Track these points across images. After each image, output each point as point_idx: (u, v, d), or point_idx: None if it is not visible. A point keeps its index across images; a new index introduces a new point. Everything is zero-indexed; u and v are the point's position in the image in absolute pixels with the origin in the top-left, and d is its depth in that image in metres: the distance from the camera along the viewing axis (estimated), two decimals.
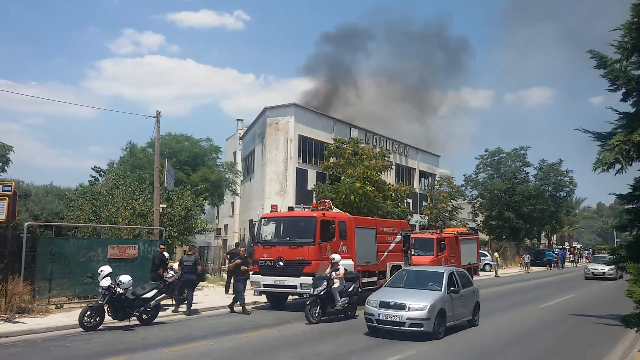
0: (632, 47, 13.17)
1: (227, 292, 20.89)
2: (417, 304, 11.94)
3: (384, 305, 12.22)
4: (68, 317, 13.92)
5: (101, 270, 13.41)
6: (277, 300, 18.18)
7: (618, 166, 12.64)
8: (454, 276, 13.68)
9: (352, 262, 17.97)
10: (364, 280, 18.71)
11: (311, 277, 15.94)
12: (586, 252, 73.40)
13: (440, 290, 12.79)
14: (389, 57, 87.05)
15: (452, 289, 13.09)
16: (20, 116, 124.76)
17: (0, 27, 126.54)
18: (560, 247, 70.82)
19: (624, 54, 13.36)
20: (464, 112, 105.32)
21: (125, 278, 13.41)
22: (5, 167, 35.65)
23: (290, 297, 18.58)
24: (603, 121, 13.75)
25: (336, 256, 15.85)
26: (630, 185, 13.01)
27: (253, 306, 18.18)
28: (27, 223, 16.72)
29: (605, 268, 33.10)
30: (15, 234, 15.65)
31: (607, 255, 38.11)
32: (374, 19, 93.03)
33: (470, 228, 39.46)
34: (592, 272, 34.82)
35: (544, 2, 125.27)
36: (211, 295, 20.18)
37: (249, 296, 19.29)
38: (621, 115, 13.30)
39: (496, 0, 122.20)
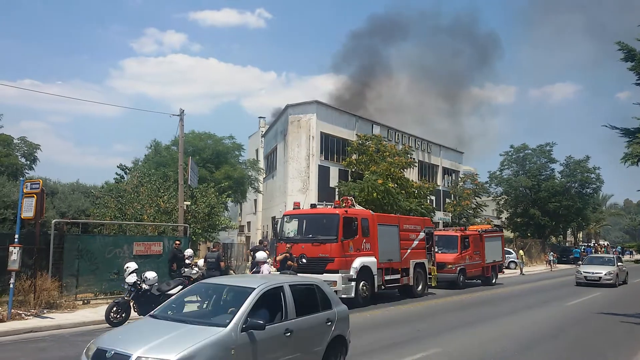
0: None
1: None
2: None
3: None
4: (95, 312, 14.14)
5: (127, 267, 13.56)
6: None
7: None
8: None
9: (375, 260, 17.93)
10: (387, 277, 18.66)
11: (335, 275, 15.96)
12: (613, 249, 72.16)
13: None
14: (417, 52, 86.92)
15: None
16: (46, 115, 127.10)
17: (25, 27, 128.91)
18: (586, 244, 69.70)
19: None
20: (488, 109, 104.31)
21: (150, 274, 13.53)
22: (33, 165, 36.49)
23: None
24: (630, 117, 13.48)
25: (259, 255, 15.56)
26: None
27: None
28: (55, 220, 17.00)
29: (602, 271, 26.83)
30: (43, 231, 15.95)
31: (604, 255, 34.85)
32: (400, 15, 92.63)
33: (495, 225, 38.97)
34: (585, 277, 27.11)
35: None
36: None
37: None
38: None
39: None
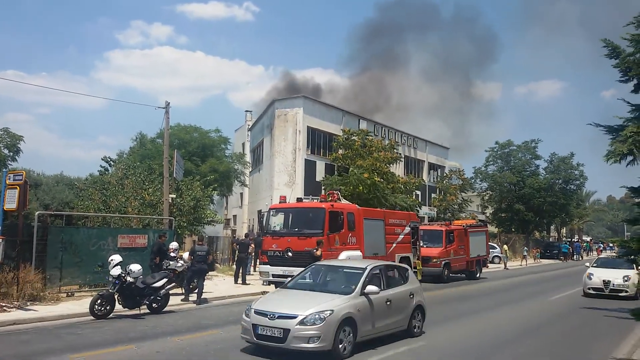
0: None
1: (236, 281, 21.00)
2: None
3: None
4: (79, 305, 14.04)
5: (111, 259, 13.49)
6: None
7: (630, 157, 12.50)
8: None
9: (360, 253, 17.98)
10: None
11: None
12: (596, 245, 73.08)
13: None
14: (414, 48, 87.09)
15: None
16: (31, 106, 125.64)
17: (11, 18, 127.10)
18: (570, 239, 70.52)
19: (637, 47, 13.20)
20: (477, 105, 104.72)
21: (135, 267, 13.47)
22: (16, 157, 36.00)
23: None
24: (612, 116, 13.64)
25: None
26: None
27: (261, 296, 18.21)
28: (38, 212, 16.86)
29: (620, 277, 19.25)
30: (26, 223, 15.80)
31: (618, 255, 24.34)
32: (390, 11, 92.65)
33: (479, 220, 39.32)
34: (605, 286, 19.38)
35: None
36: (220, 285, 20.28)
37: (257, 286, 19.40)
38: (633, 107, 13.15)
39: None
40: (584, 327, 13.82)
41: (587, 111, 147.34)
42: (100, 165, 34.60)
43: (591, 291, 19.61)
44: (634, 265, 17.49)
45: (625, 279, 19.07)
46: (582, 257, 55.52)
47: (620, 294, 18.94)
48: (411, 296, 11.24)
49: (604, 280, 19.43)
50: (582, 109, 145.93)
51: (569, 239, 69.92)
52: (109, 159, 34.69)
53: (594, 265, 21.25)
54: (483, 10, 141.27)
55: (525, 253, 44.91)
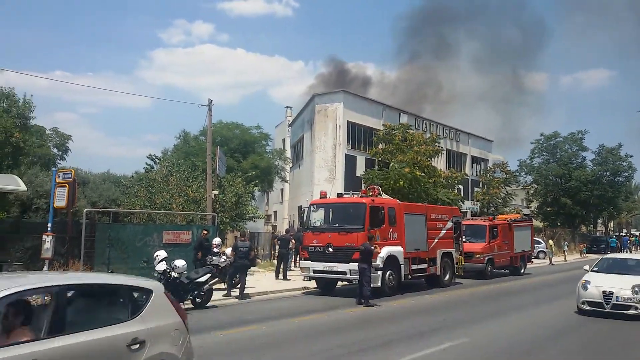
0: None
1: (277, 277, 21.16)
2: None
3: None
4: None
5: (157, 255, 13.79)
6: (326, 286, 18.27)
7: None
8: None
9: (402, 249, 17.87)
10: (414, 267, 18.60)
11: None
12: None
13: None
14: (463, 38, 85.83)
15: None
16: (78, 106, 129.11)
17: (55, 18, 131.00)
18: (617, 233, 68.29)
19: None
20: (523, 95, 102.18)
21: (179, 262, 13.73)
22: (65, 156, 37.25)
23: (339, 283, 18.64)
24: None
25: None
26: None
27: (303, 291, 18.36)
28: (86, 209, 17.35)
29: (628, 287, 13.28)
30: (75, 220, 16.31)
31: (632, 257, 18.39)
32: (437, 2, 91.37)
33: (524, 214, 38.46)
34: (605, 300, 13.35)
35: None
36: (262, 281, 20.48)
37: (298, 281, 19.52)
38: None
39: None
40: (629, 325, 13.35)
41: (637, 100, 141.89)
42: (146, 163, 35.44)
43: (586, 307, 13.67)
44: None
45: (636, 289, 13.14)
46: (631, 252, 53.73)
47: (627, 312, 13.02)
48: (136, 346, 5.32)
49: (604, 292, 13.35)
50: (631, 98, 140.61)
51: (617, 233, 67.68)
52: (154, 157, 35.47)
53: (595, 269, 15.13)
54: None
55: (566, 248, 43.74)
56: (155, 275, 13.54)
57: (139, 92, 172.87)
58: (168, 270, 13.39)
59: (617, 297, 13.18)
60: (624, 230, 76.34)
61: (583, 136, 55.80)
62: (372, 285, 15.73)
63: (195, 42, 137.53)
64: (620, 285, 13.39)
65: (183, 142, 38.36)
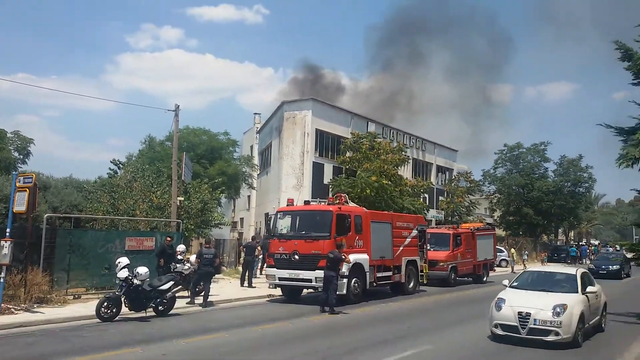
0: None
1: (242, 284, 21.02)
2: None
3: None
4: (85, 307, 14.09)
5: (119, 262, 13.55)
6: (292, 294, 18.23)
7: None
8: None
9: (367, 257, 17.96)
10: (379, 274, 18.70)
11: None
12: (604, 248, 72.44)
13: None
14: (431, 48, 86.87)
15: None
16: (41, 109, 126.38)
17: (20, 20, 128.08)
18: (577, 243, 70.09)
19: None
20: (489, 107, 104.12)
21: (142, 269, 13.52)
22: (26, 160, 36.24)
23: (305, 290, 18.61)
24: (625, 116, 13.55)
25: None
26: None
27: (268, 299, 18.27)
28: (47, 215, 16.95)
29: (549, 307, 10.96)
30: (34, 225, 15.87)
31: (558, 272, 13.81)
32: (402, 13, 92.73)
33: (487, 223, 39.12)
34: (521, 323, 10.95)
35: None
36: (227, 288, 20.31)
37: (264, 289, 19.41)
38: None
39: None
40: (591, 329, 13.65)
41: (598, 113, 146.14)
42: (109, 168, 34.73)
43: (499, 331, 11.32)
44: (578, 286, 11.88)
45: (558, 310, 10.81)
46: (590, 261, 55.17)
47: (546, 338, 10.71)
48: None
49: (519, 313, 11.01)
50: (593, 111, 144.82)
51: (576, 243, 69.45)
52: (118, 162, 34.82)
53: (514, 284, 12.97)
54: (497, 10, 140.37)
55: (526, 257, 44.41)
56: (117, 282, 13.33)
57: (105, 97, 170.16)
58: (130, 278, 13.17)
59: (535, 319, 10.81)
60: (584, 240, 78.34)
61: (545, 147, 57.16)
62: (337, 292, 15.77)
63: (163, 47, 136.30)
64: (540, 306, 11.02)
65: (148, 147, 37.84)
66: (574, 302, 11.20)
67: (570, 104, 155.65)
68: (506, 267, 39.81)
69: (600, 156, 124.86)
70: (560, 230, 69.50)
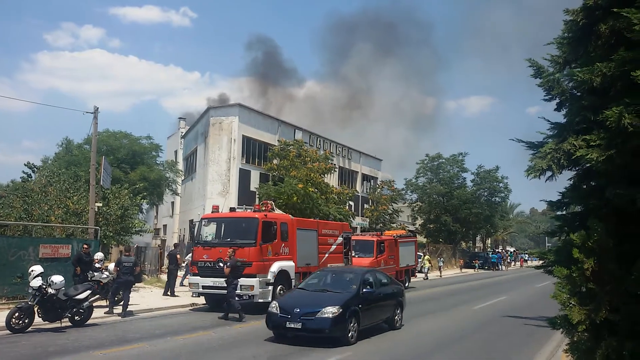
0: (563, 62, 13.80)
1: (165, 293, 20.49)
2: None
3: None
4: None
5: (32, 270, 12.91)
6: (216, 302, 17.95)
7: (549, 173, 13.13)
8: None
9: (293, 264, 18.01)
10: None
11: (253, 279, 15.98)
12: (520, 256, 76.34)
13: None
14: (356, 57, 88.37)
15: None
16: None
17: None
18: (494, 250, 73.41)
19: (557, 67, 13.97)
20: (402, 116, 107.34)
21: (57, 278, 12.95)
22: None
23: None
24: (535, 131, 14.34)
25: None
26: (560, 193, 13.68)
27: (191, 308, 17.92)
28: None
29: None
30: None
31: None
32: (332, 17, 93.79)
33: (409, 231, 40.10)
34: None
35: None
36: (147, 297, 19.74)
37: (186, 298, 19.02)
38: (553, 125, 13.88)
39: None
40: (506, 335, 14.33)
41: (515, 126, 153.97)
42: (23, 172, 32.88)
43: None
44: None
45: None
46: (504, 268, 58.30)
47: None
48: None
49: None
50: (510, 124, 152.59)
51: (492, 250, 72.67)
52: (33, 165, 33.10)
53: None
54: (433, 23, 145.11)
55: (441, 264, 45.63)
56: (30, 291, 12.68)
57: (20, 96, 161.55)
58: (44, 287, 12.57)
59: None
60: (500, 247, 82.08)
61: (463, 158, 59.44)
62: (262, 300, 15.71)
63: (83, 46, 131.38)
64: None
65: (65, 150, 36.30)
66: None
67: (489, 117, 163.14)
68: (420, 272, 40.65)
69: (515, 167, 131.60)
70: (478, 237, 72.40)
